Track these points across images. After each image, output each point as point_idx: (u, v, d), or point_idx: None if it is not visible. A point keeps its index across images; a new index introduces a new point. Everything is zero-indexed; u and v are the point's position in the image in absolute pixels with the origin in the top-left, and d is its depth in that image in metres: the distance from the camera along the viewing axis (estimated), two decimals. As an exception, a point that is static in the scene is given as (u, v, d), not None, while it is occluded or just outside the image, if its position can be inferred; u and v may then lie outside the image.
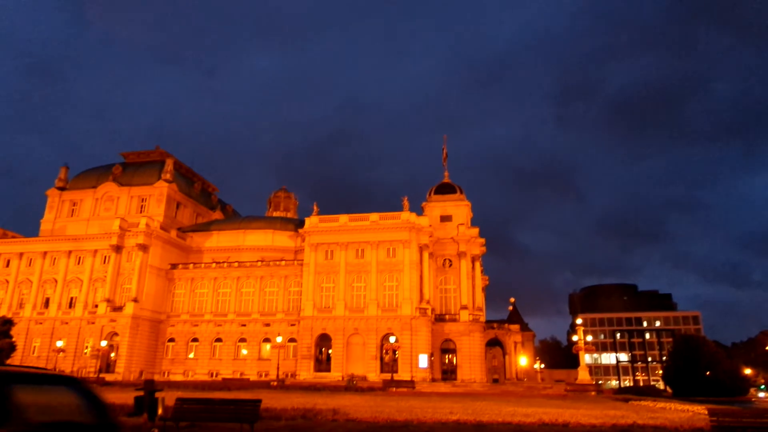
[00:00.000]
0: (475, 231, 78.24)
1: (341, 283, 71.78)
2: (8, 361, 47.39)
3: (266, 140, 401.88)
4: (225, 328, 76.84)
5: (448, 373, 71.57)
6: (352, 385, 51.41)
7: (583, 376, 55.27)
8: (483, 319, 76.98)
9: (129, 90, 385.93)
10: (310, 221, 75.38)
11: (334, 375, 66.07)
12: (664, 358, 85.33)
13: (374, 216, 74.06)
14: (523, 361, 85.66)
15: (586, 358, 58.84)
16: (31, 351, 76.39)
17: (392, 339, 62.41)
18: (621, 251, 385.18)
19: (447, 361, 72.88)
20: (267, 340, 74.70)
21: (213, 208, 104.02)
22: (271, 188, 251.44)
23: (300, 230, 78.19)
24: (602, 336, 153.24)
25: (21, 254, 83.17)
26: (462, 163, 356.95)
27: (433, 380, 65.47)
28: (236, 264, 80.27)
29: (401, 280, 70.62)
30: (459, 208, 79.91)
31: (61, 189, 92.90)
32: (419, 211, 78.08)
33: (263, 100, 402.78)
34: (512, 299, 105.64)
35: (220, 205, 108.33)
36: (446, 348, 72.90)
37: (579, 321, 57.50)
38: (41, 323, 77.90)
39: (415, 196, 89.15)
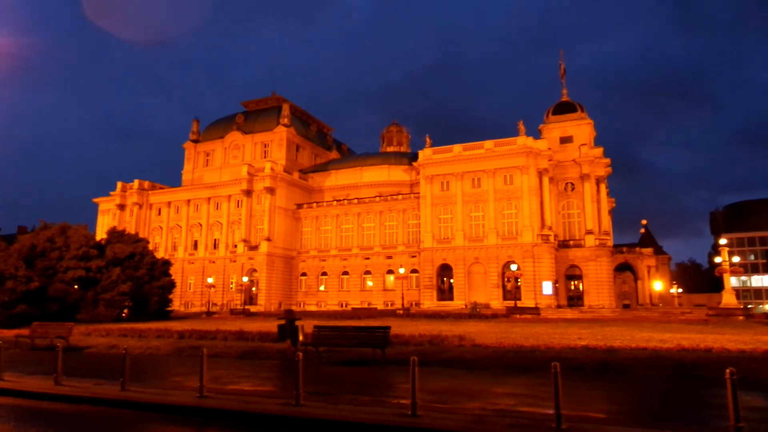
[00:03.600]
0: (599, 151, 73.21)
1: (459, 213, 71.73)
2: (170, 296, 54.44)
3: (372, 78, 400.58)
4: (350, 262, 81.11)
5: (574, 299, 69.90)
6: (476, 313, 52.21)
7: (728, 299, 50.86)
8: (610, 243, 73.30)
9: (238, 46, 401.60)
10: (424, 154, 75.23)
11: (457, 303, 67.49)
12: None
13: (489, 143, 71.98)
14: (657, 285, 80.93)
15: (732, 281, 53.95)
16: (188, 287, 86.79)
17: (514, 267, 61.83)
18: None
19: (572, 287, 71.02)
20: (390, 271, 77.79)
21: (329, 148, 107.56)
22: (381, 125, 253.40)
23: (414, 163, 78.49)
24: (752, 256, 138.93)
25: (169, 203, 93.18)
26: (578, 82, 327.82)
27: (559, 307, 64.45)
28: (356, 201, 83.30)
29: (520, 208, 68.87)
30: (580, 128, 74.89)
31: (195, 141, 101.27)
32: (536, 135, 74.50)
33: (362, 38, 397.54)
34: (644, 221, 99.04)
35: (336, 145, 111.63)
36: (571, 274, 70.86)
37: (723, 241, 52.24)
38: (192, 263, 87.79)
39: (529, 121, 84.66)
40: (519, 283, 66.07)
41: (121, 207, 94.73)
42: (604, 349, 17.94)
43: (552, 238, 67.75)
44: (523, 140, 69.87)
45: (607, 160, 73.93)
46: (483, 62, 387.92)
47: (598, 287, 67.70)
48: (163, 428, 9.46)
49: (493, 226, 69.52)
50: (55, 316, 40.26)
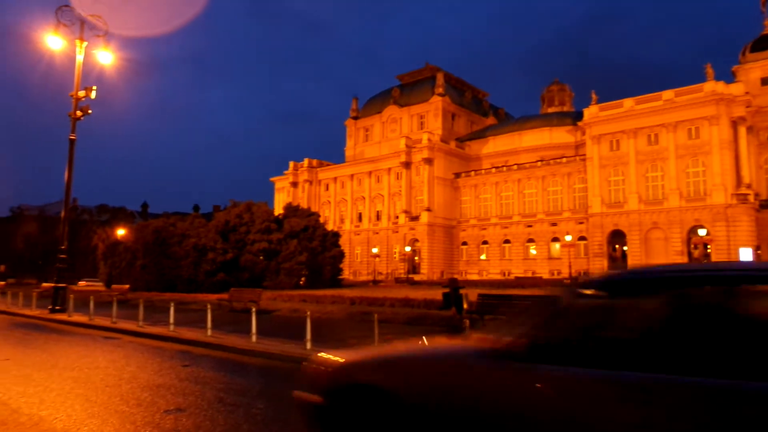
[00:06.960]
0: (816, 90, 60.90)
1: (632, 174, 65.37)
2: (340, 266, 58.22)
3: (524, 38, 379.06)
4: (512, 230, 78.94)
5: (782, 267, 59.85)
6: (656, 282, 47.42)
7: None
8: (833, 201, 61.13)
9: (387, 24, 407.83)
10: (590, 111, 69.55)
11: (633, 272, 62.03)
12: None
13: (668, 93, 63.94)
14: None
15: None
16: (355, 257, 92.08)
17: (702, 232, 54.76)
18: None
19: (779, 254, 60.86)
20: (555, 239, 74.11)
21: (485, 114, 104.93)
22: (538, 85, 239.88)
23: (579, 123, 73.07)
24: None
25: (335, 179, 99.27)
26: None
27: (761, 276, 55.76)
28: (515, 167, 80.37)
29: (709, 164, 60.44)
30: (788, 65, 62.87)
31: (355, 118, 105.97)
32: (728, 79, 64.29)
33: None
34: None
35: (492, 110, 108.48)
36: (777, 239, 60.70)
37: None
38: (358, 234, 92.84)
39: (716, 65, 73.34)
40: (708, 250, 58.48)
41: (294, 184, 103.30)
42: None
43: (751, 198, 58.49)
44: (711, 86, 60.75)
45: (827, 101, 61.31)
46: (647, 5, 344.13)
47: (815, 254, 57.13)
48: (344, 387, 9.91)
49: (675, 186, 62.10)
50: (246, 283, 45.42)
